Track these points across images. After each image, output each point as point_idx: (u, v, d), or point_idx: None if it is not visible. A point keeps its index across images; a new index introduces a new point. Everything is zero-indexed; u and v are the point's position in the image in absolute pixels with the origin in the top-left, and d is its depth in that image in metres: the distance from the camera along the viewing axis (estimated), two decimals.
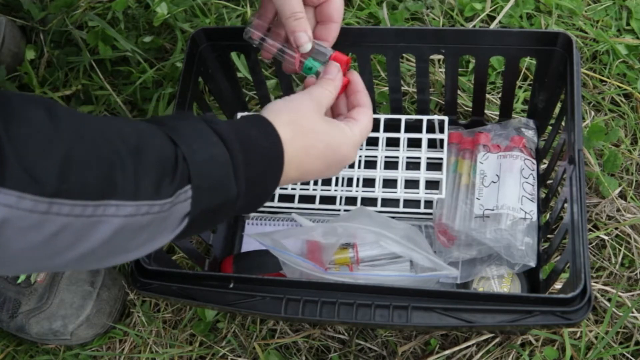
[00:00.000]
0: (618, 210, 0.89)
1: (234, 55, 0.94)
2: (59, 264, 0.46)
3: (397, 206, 0.88)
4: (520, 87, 1.00)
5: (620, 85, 1.00)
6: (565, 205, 0.69)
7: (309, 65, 0.70)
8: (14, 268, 0.46)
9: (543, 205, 0.84)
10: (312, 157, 0.60)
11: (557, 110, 0.85)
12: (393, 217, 0.84)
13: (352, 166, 0.91)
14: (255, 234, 0.78)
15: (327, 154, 0.61)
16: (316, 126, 0.61)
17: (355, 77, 0.70)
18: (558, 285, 0.80)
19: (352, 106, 0.69)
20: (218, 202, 0.52)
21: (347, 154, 0.63)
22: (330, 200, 0.90)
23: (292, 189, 0.88)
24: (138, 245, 0.49)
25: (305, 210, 0.89)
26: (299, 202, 0.89)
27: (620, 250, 0.87)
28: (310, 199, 0.89)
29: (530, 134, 0.86)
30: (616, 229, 0.88)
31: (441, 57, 0.96)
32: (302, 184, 0.89)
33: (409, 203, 0.88)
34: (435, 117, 0.86)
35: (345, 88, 0.70)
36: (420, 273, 0.77)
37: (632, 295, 0.84)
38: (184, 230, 0.51)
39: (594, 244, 0.88)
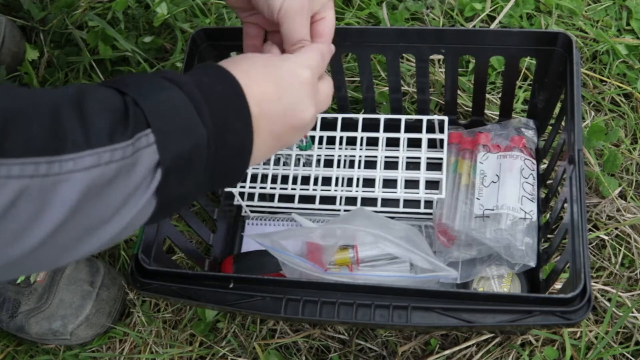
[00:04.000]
0: (618, 210, 0.89)
1: (233, 55, 0.94)
2: (24, 249, 0.40)
3: (397, 206, 0.88)
4: (520, 87, 1.00)
5: (620, 85, 1.00)
6: (565, 205, 0.69)
7: None
8: None
9: (543, 205, 0.84)
10: (256, 79, 0.55)
11: (557, 110, 0.85)
12: (393, 217, 0.84)
13: (352, 166, 0.91)
14: (255, 235, 0.78)
15: (272, 73, 0.57)
16: (263, 59, 0.58)
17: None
18: (558, 285, 0.80)
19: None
20: (188, 147, 0.47)
21: (293, 69, 0.59)
22: (330, 200, 0.90)
23: (292, 189, 0.88)
24: (114, 211, 0.44)
25: (305, 210, 0.89)
26: (299, 202, 0.89)
27: (620, 250, 0.87)
28: (310, 199, 0.89)
29: (530, 134, 0.86)
30: (616, 229, 0.88)
31: (441, 57, 0.96)
32: (302, 183, 0.89)
33: (409, 203, 0.88)
34: (435, 117, 0.86)
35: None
36: (419, 274, 0.77)
37: (632, 295, 0.84)
38: (160, 187, 0.46)
39: (594, 244, 0.88)
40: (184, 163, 0.47)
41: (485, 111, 0.92)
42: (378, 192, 0.86)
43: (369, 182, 0.88)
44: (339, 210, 0.89)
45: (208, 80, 0.52)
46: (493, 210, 0.79)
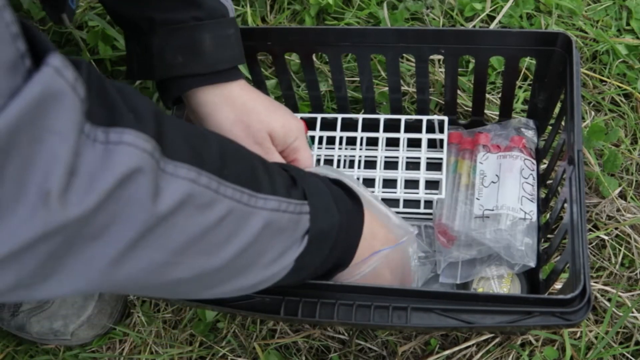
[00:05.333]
0: (618, 210, 0.89)
1: None
2: (212, 266, 0.46)
3: (397, 206, 0.88)
4: (520, 87, 1.00)
5: (620, 85, 1.00)
6: (565, 205, 0.69)
7: None
8: (171, 270, 0.44)
9: (543, 205, 0.83)
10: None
11: (557, 110, 0.85)
12: None
13: (352, 166, 0.91)
14: None
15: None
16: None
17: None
18: (558, 286, 0.80)
19: None
20: (328, 225, 0.54)
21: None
22: None
23: None
24: (271, 259, 0.50)
25: None
26: None
27: (620, 250, 0.87)
28: None
29: (530, 134, 0.86)
30: (616, 229, 0.88)
31: (441, 57, 0.96)
32: None
33: (408, 203, 0.88)
34: (435, 117, 0.86)
35: None
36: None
37: (632, 295, 0.84)
38: (304, 251, 0.52)
39: (594, 244, 0.88)
40: (322, 237, 0.54)
41: (485, 111, 0.92)
42: (378, 192, 0.86)
43: (368, 182, 0.88)
44: None
45: (337, 189, 0.60)
46: (493, 210, 0.79)
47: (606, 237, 0.88)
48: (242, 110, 0.71)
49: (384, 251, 0.64)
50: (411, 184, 0.87)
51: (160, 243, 0.41)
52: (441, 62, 1.03)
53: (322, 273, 0.59)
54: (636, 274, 0.86)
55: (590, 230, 0.89)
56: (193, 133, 0.45)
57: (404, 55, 1.01)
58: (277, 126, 0.72)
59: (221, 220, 0.44)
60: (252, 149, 0.71)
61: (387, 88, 0.91)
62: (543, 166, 0.88)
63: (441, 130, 0.87)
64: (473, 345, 0.83)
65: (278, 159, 0.74)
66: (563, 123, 0.76)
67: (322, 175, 0.60)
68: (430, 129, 0.87)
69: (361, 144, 0.90)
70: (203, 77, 0.70)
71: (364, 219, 0.61)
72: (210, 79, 0.70)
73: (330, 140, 0.91)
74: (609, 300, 0.84)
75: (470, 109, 0.91)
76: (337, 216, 0.55)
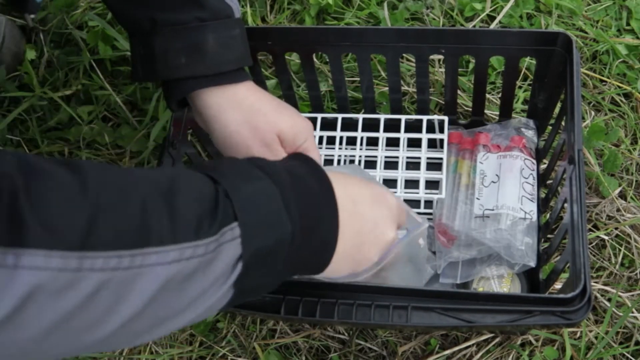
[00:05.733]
0: (618, 210, 0.89)
1: None
2: (99, 337, 0.41)
3: None
4: (520, 87, 1.00)
5: (620, 85, 1.00)
6: (565, 205, 0.69)
7: None
8: (46, 350, 0.40)
9: (543, 205, 0.83)
10: (360, 207, 0.57)
11: (557, 110, 0.85)
12: None
13: None
14: None
15: (374, 200, 0.58)
16: (357, 180, 0.60)
17: None
18: (558, 285, 0.80)
19: None
20: (272, 241, 0.47)
21: (384, 195, 0.60)
22: None
23: None
24: (189, 303, 0.44)
25: None
26: None
27: (620, 250, 0.87)
28: None
29: (530, 134, 0.86)
30: (616, 229, 0.88)
31: (441, 57, 0.96)
32: None
33: (408, 203, 0.87)
34: (435, 117, 0.87)
35: None
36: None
37: (632, 295, 0.84)
38: (239, 279, 0.46)
39: (594, 244, 0.88)
40: (265, 256, 0.47)
41: (485, 111, 0.92)
42: None
43: None
44: None
45: (301, 172, 0.52)
46: (493, 210, 0.79)
47: (606, 237, 0.88)
48: (249, 112, 0.69)
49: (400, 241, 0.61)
50: (411, 183, 0.87)
51: (14, 339, 0.37)
52: (441, 62, 1.03)
53: (304, 272, 0.55)
54: (636, 274, 0.86)
55: (590, 230, 0.89)
56: (62, 195, 0.39)
57: (404, 55, 1.01)
58: (285, 127, 0.70)
59: (91, 296, 0.38)
60: (260, 151, 0.67)
61: (387, 88, 0.91)
62: (543, 166, 0.88)
63: (441, 130, 0.87)
64: (473, 345, 0.83)
65: None
66: (563, 123, 0.76)
67: (289, 164, 0.53)
68: (431, 129, 0.87)
69: (361, 144, 0.90)
70: (207, 78, 0.68)
71: (337, 207, 0.53)
72: (214, 80, 0.68)
73: (330, 140, 0.91)
74: (609, 300, 0.84)
75: (470, 109, 0.91)
76: (288, 225, 0.48)
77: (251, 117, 0.69)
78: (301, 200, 0.50)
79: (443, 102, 0.98)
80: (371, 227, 0.58)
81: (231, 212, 0.45)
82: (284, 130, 0.70)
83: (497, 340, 0.83)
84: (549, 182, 0.85)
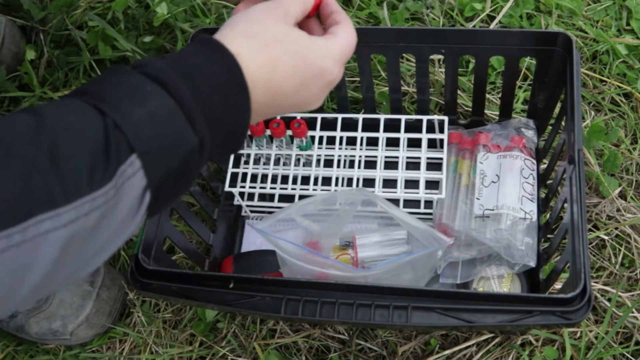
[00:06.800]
0: (618, 210, 0.89)
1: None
2: (14, 304, 0.38)
3: (397, 206, 0.88)
4: (520, 87, 1.00)
5: (620, 85, 1.00)
6: (565, 205, 0.69)
7: None
8: None
9: (543, 205, 0.84)
10: (281, 72, 0.50)
11: (557, 110, 0.85)
12: None
13: (352, 166, 0.91)
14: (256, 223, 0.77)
15: (300, 67, 0.51)
16: (281, 35, 0.50)
17: None
18: (558, 285, 0.80)
19: (329, 26, 0.57)
20: (179, 160, 0.43)
21: (325, 66, 0.52)
22: None
23: (292, 189, 0.88)
24: (101, 247, 0.42)
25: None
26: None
27: (620, 250, 0.87)
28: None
29: (530, 134, 0.86)
30: (616, 229, 0.88)
31: (441, 57, 0.96)
32: (302, 183, 0.89)
33: (409, 203, 0.88)
34: (435, 117, 0.86)
35: (317, 9, 0.59)
36: (415, 250, 0.76)
37: (632, 295, 0.84)
38: (151, 205, 0.43)
39: (594, 244, 0.88)
40: (176, 177, 0.44)
41: (485, 111, 0.92)
42: (378, 192, 0.86)
43: (369, 182, 0.88)
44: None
45: (201, 62, 0.46)
46: (493, 210, 0.79)
47: (606, 237, 0.88)
48: None
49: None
50: (411, 184, 0.87)
51: None
52: (441, 62, 1.03)
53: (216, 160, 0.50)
54: (636, 274, 0.86)
55: (590, 230, 0.89)
56: None
57: (404, 55, 1.01)
58: None
59: None
60: None
61: (387, 88, 0.92)
62: (543, 166, 0.88)
63: (441, 130, 0.87)
64: (473, 345, 0.83)
65: None
66: (563, 123, 0.76)
67: (189, 53, 0.47)
68: (431, 129, 0.87)
69: (361, 144, 0.90)
70: None
71: (249, 93, 0.48)
72: None
73: (330, 140, 0.91)
74: (609, 300, 0.84)
75: (470, 109, 0.91)
76: (193, 137, 0.43)
77: None
78: (204, 98, 0.45)
79: (443, 102, 0.98)
80: (295, 105, 0.53)
81: (126, 146, 0.41)
82: None
83: (497, 340, 0.83)
84: (549, 182, 0.85)
